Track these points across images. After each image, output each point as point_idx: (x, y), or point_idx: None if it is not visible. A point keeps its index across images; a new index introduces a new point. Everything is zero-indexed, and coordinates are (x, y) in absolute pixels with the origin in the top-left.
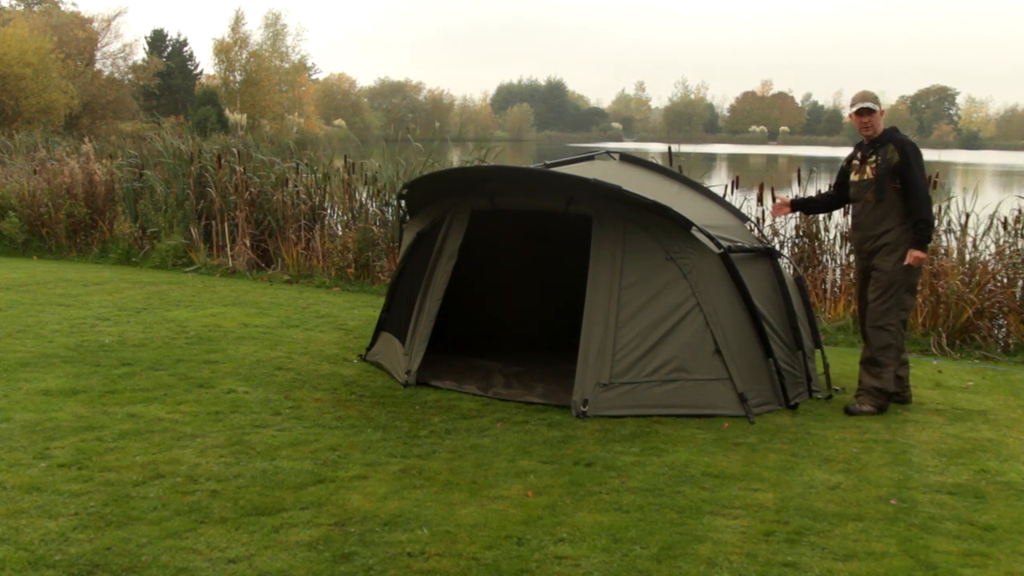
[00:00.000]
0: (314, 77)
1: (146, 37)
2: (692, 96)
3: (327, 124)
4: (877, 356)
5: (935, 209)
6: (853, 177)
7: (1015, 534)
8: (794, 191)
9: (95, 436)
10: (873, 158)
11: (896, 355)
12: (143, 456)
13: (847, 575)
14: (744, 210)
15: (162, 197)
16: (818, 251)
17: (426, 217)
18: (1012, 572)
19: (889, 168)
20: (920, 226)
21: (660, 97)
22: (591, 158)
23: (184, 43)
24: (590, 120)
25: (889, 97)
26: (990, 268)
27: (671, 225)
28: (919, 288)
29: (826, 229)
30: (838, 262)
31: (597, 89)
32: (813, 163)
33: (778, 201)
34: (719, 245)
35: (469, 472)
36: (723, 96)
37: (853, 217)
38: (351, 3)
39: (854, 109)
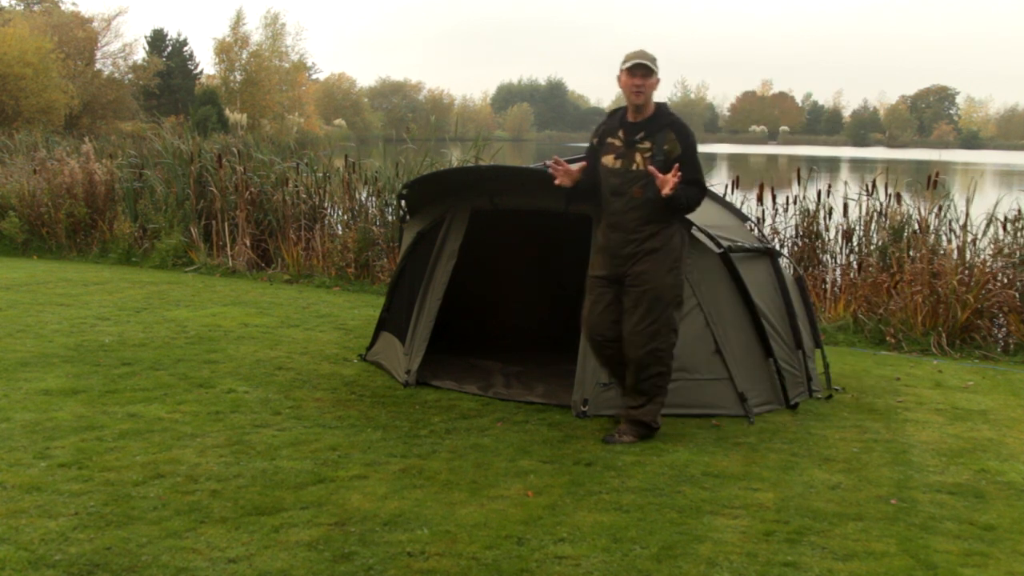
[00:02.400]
0: (314, 77)
1: (146, 37)
2: (692, 96)
3: (327, 124)
4: (644, 386)
5: (935, 209)
6: (611, 162)
7: (1015, 534)
8: (794, 191)
9: (95, 436)
10: (646, 144)
11: (666, 385)
12: (143, 456)
13: (847, 575)
14: (744, 210)
15: (162, 197)
16: (818, 251)
17: (426, 217)
18: (1012, 572)
19: (667, 161)
20: (692, 188)
21: (660, 97)
22: None
23: (184, 43)
24: (590, 120)
25: (889, 97)
26: (990, 268)
27: None
28: (919, 288)
29: (826, 228)
30: (838, 262)
31: (597, 89)
32: (813, 163)
33: (563, 167)
34: (719, 245)
35: (469, 472)
36: (723, 96)
37: (609, 215)
38: (351, 3)
39: (627, 66)
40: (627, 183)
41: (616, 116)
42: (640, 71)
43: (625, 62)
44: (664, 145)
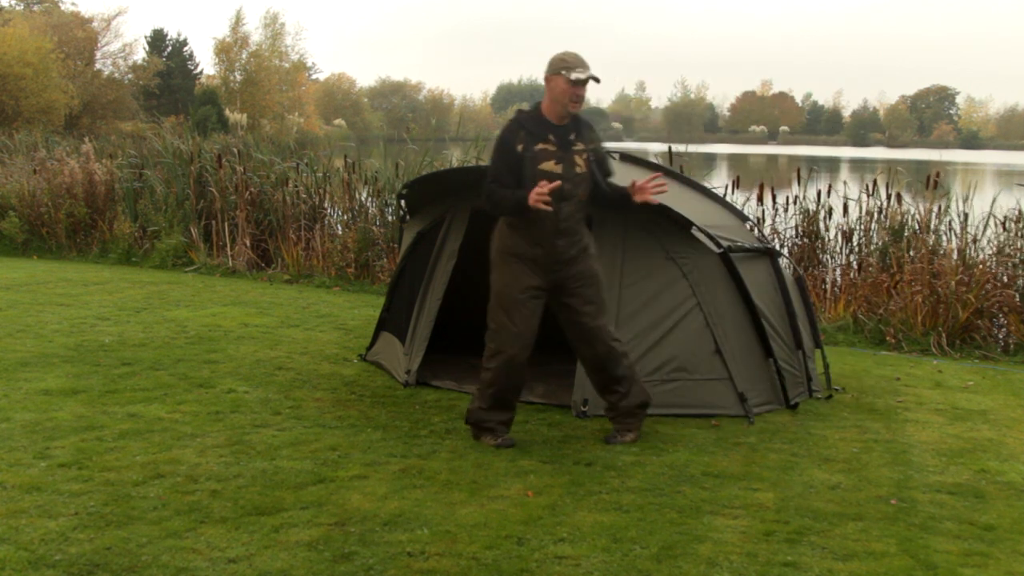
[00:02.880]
0: (314, 77)
1: (146, 37)
2: (692, 96)
3: (327, 124)
4: (621, 372)
5: (935, 209)
6: (552, 167)
7: (1015, 534)
8: (794, 191)
9: (95, 436)
10: (580, 145)
11: (632, 363)
12: (143, 456)
13: (847, 575)
14: (744, 210)
15: (162, 197)
16: (818, 251)
17: (426, 217)
18: (1012, 572)
19: (597, 159)
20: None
21: (660, 97)
22: None
23: (184, 43)
24: (590, 120)
25: (889, 97)
26: (990, 268)
27: (671, 225)
28: (919, 288)
29: (826, 229)
30: (838, 262)
31: (597, 89)
32: (813, 163)
33: (543, 190)
34: (719, 245)
35: (469, 472)
36: (723, 96)
37: (560, 221)
38: (351, 3)
39: (582, 76)
40: (576, 187)
41: (534, 120)
42: (583, 84)
43: (570, 70)
44: (590, 144)
